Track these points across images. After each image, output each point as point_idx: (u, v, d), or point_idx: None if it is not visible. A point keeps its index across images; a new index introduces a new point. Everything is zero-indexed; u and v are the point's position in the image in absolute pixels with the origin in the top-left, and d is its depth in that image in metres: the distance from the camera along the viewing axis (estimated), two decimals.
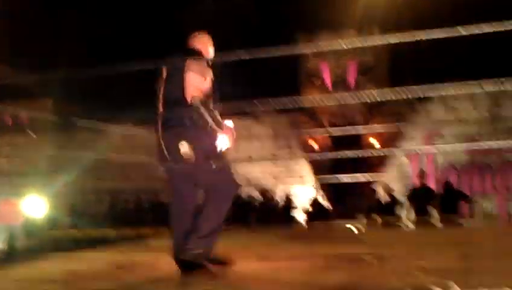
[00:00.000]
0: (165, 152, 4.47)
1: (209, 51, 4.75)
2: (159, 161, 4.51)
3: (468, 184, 15.91)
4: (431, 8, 14.80)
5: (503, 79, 4.81)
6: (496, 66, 15.24)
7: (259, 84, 15.50)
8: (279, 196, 15.25)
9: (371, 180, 15.26)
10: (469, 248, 5.29)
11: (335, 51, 16.60)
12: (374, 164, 15.86)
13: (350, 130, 14.25)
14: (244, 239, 7.25)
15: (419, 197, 12.28)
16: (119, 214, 16.15)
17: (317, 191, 16.19)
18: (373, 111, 16.09)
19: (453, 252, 5.20)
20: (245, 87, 15.71)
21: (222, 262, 4.50)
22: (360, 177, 12.44)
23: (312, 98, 15.68)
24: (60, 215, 13.82)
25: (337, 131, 15.38)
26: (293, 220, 14.53)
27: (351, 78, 16.58)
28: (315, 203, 14.81)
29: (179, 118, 4.37)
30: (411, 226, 12.08)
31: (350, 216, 12.41)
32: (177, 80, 4.39)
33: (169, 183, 4.72)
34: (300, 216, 14.95)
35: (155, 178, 17.04)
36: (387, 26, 16.34)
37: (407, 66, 17.44)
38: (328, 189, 16.09)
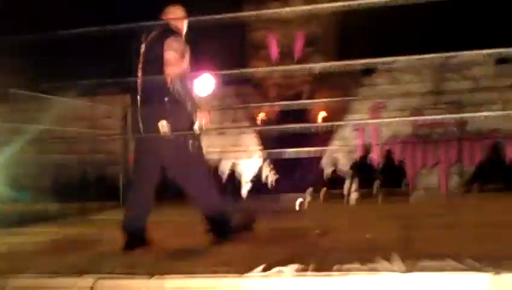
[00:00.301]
0: (141, 126, 4.54)
1: (183, 25, 4.82)
2: (133, 132, 4.63)
3: (411, 157, 16.15)
4: None
5: (449, 54, 4.83)
6: (445, 39, 15.43)
7: (204, 55, 15.31)
8: (225, 169, 15.19)
9: (317, 153, 15.35)
10: (410, 220, 5.35)
11: (282, 21, 16.50)
12: (320, 137, 15.93)
13: (297, 103, 14.28)
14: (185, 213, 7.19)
15: (364, 170, 12.41)
16: (63, 188, 15.86)
17: (264, 164, 16.19)
18: (320, 83, 16.11)
19: (396, 224, 5.26)
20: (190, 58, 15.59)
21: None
22: (307, 150, 12.53)
23: (258, 69, 15.58)
24: (2, 189, 13.51)
25: (284, 103, 15.36)
26: (239, 193, 14.51)
27: (298, 49, 16.53)
28: (262, 176, 14.81)
29: (159, 96, 4.42)
30: (355, 199, 12.23)
31: (296, 190, 12.46)
32: (157, 58, 4.46)
33: (135, 157, 4.79)
34: (246, 190, 14.95)
35: (100, 151, 16.86)
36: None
37: (355, 38, 17.51)
38: (275, 162, 16.10)
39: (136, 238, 4.55)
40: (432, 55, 4.40)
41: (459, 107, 15.55)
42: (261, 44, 16.76)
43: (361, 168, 12.52)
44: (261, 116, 16.52)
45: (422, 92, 16.02)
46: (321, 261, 3.57)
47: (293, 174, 14.27)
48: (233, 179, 14.95)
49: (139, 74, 4.58)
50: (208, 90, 4.62)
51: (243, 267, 3.51)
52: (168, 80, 4.39)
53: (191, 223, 6.07)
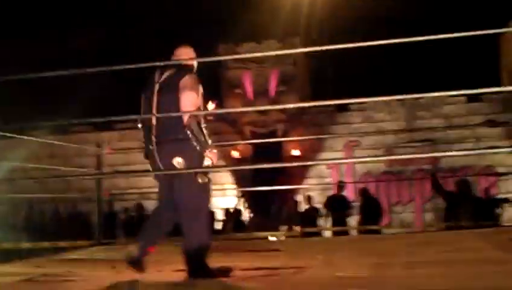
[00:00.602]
0: (159, 164, 4.68)
1: (194, 64, 4.86)
2: (153, 170, 4.82)
3: (385, 193, 16.27)
4: (351, 21, 15.09)
5: (421, 94, 4.92)
6: (415, 78, 15.69)
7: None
8: None
9: (292, 190, 15.39)
10: (383, 258, 5.37)
11: (256, 60, 16.66)
12: (295, 174, 15.99)
13: (271, 140, 14.34)
14: (165, 252, 7.15)
15: (338, 206, 12.45)
16: (36, 226, 15.66)
17: (238, 201, 16.18)
18: (294, 121, 16.23)
19: (368, 261, 5.28)
20: None
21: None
22: (281, 187, 12.55)
23: (233, 108, 15.68)
24: None
25: (259, 141, 15.41)
26: (214, 231, 14.44)
27: (272, 87, 16.67)
28: (236, 214, 14.78)
29: (174, 134, 4.51)
30: (329, 235, 12.23)
31: (271, 227, 12.45)
32: (172, 96, 4.50)
33: (159, 193, 4.97)
34: (221, 227, 14.89)
35: (73, 189, 16.74)
36: (309, 37, 16.60)
37: (328, 77, 17.73)
38: (250, 199, 16.10)
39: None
40: (404, 96, 4.46)
41: (432, 144, 15.79)
42: (235, 82, 16.89)
43: (336, 205, 12.55)
44: (236, 154, 16.55)
45: (396, 129, 16.25)
46: None
47: (268, 212, 14.25)
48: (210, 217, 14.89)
49: (154, 111, 4.67)
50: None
51: None
52: (185, 118, 4.49)
53: (162, 261, 6.03)
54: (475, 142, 15.62)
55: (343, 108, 16.27)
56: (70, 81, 13.61)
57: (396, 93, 4.87)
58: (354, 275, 4.47)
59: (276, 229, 11.90)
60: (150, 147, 4.79)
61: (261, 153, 15.54)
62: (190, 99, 4.51)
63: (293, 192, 15.55)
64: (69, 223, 15.65)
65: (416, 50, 13.91)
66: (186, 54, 4.86)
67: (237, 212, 14.75)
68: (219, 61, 16.94)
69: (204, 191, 4.76)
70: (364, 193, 13.27)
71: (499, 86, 14.13)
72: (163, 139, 4.64)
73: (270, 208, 14.29)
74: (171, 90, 4.57)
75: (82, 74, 5.42)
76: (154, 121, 4.69)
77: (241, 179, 16.31)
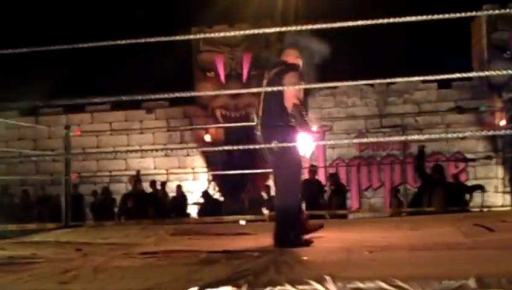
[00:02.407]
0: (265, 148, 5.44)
1: (299, 63, 5.59)
2: (264, 154, 5.61)
3: (356, 178, 16.38)
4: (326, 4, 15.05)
5: (392, 79, 4.94)
6: (388, 63, 15.74)
7: (153, 76, 15.30)
8: (171, 190, 15.11)
9: (264, 175, 15.40)
10: (348, 242, 5.40)
11: (229, 44, 16.60)
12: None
13: (244, 124, 14.31)
14: (132, 234, 7.13)
15: (310, 191, 12.48)
16: (4, 208, 15.49)
17: (209, 185, 16.18)
18: None
19: (334, 245, 5.31)
20: (139, 79, 15.53)
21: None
22: (253, 172, 12.55)
23: (205, 91, 15.61)
24: None
25: (231, 124, 15.38)
26: (184, 214, 14.44)
27: (245, 71, 16.62)
28: (207, 197, 14.77)
29: (274, 120, 5.30)
30: None
31: (242, 211, 12.45)
32: (278, 90, 5.17)
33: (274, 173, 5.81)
34: (192, 210, 14.90)
35: (42, 171, 16.58)
36: (284, 20, 16.54)
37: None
38: (221, 183, 16.09)
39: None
40: (376, 80, 4.50)
41: (402, 130, 15.90)
42: (208, 66, 16.79)
43: (308, 189, 12.59)
44: (208, 137, 16.51)
45: (367, 115, 16.34)
46: (254, 282, 3.57)
47: (239, 196, 14.26)
48: (180, 200, 14.88)
49: (261, 104, 5.47)
50: (308, 149, 5.51)
51: (176, 289, 3.50)
52: (289, 108, 5.19)
53: (129, 244, 6.02)
54: (445, 129, 15.76)
55: (315, 92, 16.27)
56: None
57: (368, 78, 4.96)
58: (318, 259, 4.49)
59: (246, 213, 11.89)
60: (257, 133, 5.60)
61: (233, 137, 15.51)
62: (292, 91, 5.18)
63: (265, 176, 15.57)
64: (39, 206, 15.50)
65: (391, 35, 13.98)
66: (291, 55, 5.62)
67: (207, 195, 14.73)
68: (191, 45, 16.85)
69: (299, 169, 5.53)
70: (333, 178, 13.34)
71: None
72: (265, 126, 5.43)
73: (241, 192, 14.29)
74: (275, 85, 5.21)
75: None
76: (260, 112, 5.50)
77: (212, 163, 16.30)
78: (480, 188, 13.45)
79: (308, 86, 5.51)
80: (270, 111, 5.40)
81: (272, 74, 5.49)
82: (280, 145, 5.20)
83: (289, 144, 5.18)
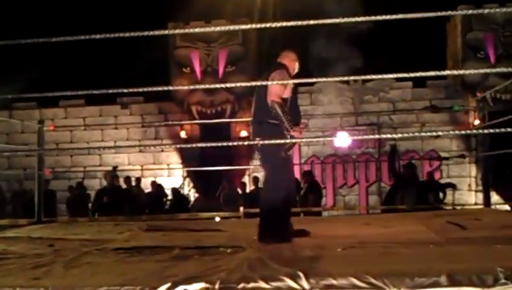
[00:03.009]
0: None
1: (294, 66, 5.74)
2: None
3: (331, 176, 16.45)
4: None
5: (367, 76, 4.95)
6: (365, 62, 15.79)
7: (127, 72, 15.20)
8: (145, 186, 15.02)
9: (239, 171, 15.41)
10: (322, 239, 5.42)
11: (205, 39, 16.56)
12: (242, 155, 15.99)
13: (219, 120, 14.29)
14: (106, 230, 7.08)
15: None
16: None
17: (184, 181, 16.13)
18: (242, 101, 16.19)
19: (308, 242, 5.32)
20: (115, 74, 15.42)
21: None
22: (228, 169, 12.54)
23: (181, 87, 15.53)
24: None
25: (207, 121, 15.35)
26: (159, 210, 14.35)
27: (221, 67, 16.58)
28: (177, 194, 14.69)
29: (261, 118, 5.46)
30: None
31: (217, 207, 12.42)
32: (264, 88, 5.39)
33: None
34: (167, 206, 14.81)
35: (16, 166, 16.42)
36: (260, 18, 16.53)
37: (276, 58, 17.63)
38: (196, 180, 16.05)
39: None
40: (351, 77, 4.51)
41: (377, 128, 16.00)
42: (184, 61, 16.72)
43: None
44: (183, 133, 16.46)
45: (343, 113, 16.41)
46: (227, 279, 3.56)
47: (214, 192, 14.22)
48: (155, 196, 14.79)
49: (254, 101, 5.68)
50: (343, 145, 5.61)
51: (147, 286, 3.48)
52: (268, 102, 5.30)
53: (102, 240, 5.98)
54: (420, 127, 15.90)
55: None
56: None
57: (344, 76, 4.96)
58: (292, 256, 4.49)
59: (221, 209, 11.86)
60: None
61: (209, 133, 15.50)
62: (274, 88, 5.29)
63: (240, 173, 15.58)
64: (13, 201, 15.32)
65: (368, 34, 14.08)
66: (287, 57, 5.73)
67: (177, 192, 14.64)
68: (168, 40, 16.77)
69: (286, 166, 5.56)
70: (307, 176, 13.37)
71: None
72: (253, 123, 5.69)
73: (216, 188, 14.25)
74: (262, 84, 5.42)
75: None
76: (252, 110, 5.75)
77: (187, 160, 16.24)
78: (452, 186, 13.61)
79: (284, 82, 5.41)
80: (257, 109, 5.61)
81: (265, 75, 5.60)
82: (261, 142, 5.28)
83: (271, 141, 5.14)
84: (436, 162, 16.03)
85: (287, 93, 5.43)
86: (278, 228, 5.34)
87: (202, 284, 3.51)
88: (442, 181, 14.64)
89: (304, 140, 7.18)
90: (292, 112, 5.45)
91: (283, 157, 5.42)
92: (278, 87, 5.32)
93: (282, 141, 5.21)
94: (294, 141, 5.34)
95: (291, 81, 5.54)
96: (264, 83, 5.38)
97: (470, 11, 11.88)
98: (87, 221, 10.06)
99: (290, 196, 5.67)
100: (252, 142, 5.58)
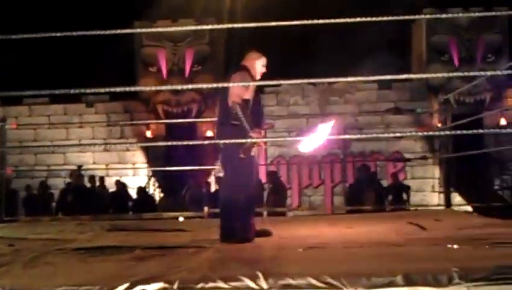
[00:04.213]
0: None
1: (256, 67, 5.73)
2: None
3: (296, 176, 16.52)
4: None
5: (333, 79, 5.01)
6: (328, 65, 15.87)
7: (93, 70, 15.06)
8: (110, 185, 14.92)
9: (205, 171, 15.37)
10: (279, 239, 5.47)
11: (172, 39, 16.49)
12: (208, 156, 15.94)
13: (185, 120, 14.26)
14: (67, 230, 7.03)
15: None
16: None
17: (149, 181, 16.05)
18: (208, 101, 16.16)
19: (269, 242, 5.35)
20: (79, 72, 15.27)
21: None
22: (192, 168, 12.50)
23: (147, 86, 15.42)
24: None
25: (172, 120, 15.31)
26: (123, 210, 14.26)
27: (187, 66, 16.53)
28: (146, 193, 14.62)
29: (224, 119, 5.53)
30: None
31: (181, 207, 12.38)
32: (227, 89, 5.48)
33: None
34: (131, 206, 14.72)
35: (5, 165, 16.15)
36: (228, 17, 16.53)
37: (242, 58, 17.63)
38: (161, 179, 15.97)
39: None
40: (318, 79, 4.59)
41: (343, 129, 16.10)
42: (150, 61, 16.64)
43: None
44: (149, 133, 16.38)
45: (309, 113, 16.48)
46: (187, 278, 3.57)
47: (179, 192, 14.17)
48: (120, 195, 14.69)
49: (218, 103, 5.79)
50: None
51: (106, 286, 3.47)
52: (229, 102, 5.41)
53: (63, 239, 5.94)
54: (384, 129, 16.06)
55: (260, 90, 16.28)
56: None
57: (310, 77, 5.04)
58: (252, 256, 4.52)
59: (186, 209, 11.83)
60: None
61: (175, 133, 15.44)
62: (234, 89, 5.38)
63: (206, 173, 15.54)
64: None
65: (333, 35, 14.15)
66: (248, 57, 5.77)
67: (143, 192, 14.55)
68: (134, 39, 16.68)
69: (245, 166, 5.53)
70: (272, 176, 13.42)
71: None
72: (217, 124, 5.80)
73: (182, 188, 14.20)
74: (224, 86, 5.61)
75: None
76: (216, 110, 5.98)
77: (153, 159, 16.17)
78: (407, 188, 13.83)
79: (250, 83, 5.46)
80: (220, 110, 5.69)
81: (228, 76, 5.73)
82: (222, 141, 5.45)
83: (231, 141, 5.28)
84: (400, 164, 16.21)
85: (248, 95, 5.49)
86: (237, 227, 5.36)
87: (161, 284, 3.52)
88: (406, 182, 14.84)
89: (264, 140, 7.17)
90: (255, 113, 5.49)
91: (242, 158, 5.44)
92: (238, 89, 5.39)
93: (241, 141, 5.27)
94: (252, 141, 5.36)
95: (252, 83, 5.57)
96: (225, 84, 5.48)
97: (434, 16, 12.03)
98: (50, 220, 9.96)
99: (250, 197, 5.64)
100: (213, 141, 5.67)
